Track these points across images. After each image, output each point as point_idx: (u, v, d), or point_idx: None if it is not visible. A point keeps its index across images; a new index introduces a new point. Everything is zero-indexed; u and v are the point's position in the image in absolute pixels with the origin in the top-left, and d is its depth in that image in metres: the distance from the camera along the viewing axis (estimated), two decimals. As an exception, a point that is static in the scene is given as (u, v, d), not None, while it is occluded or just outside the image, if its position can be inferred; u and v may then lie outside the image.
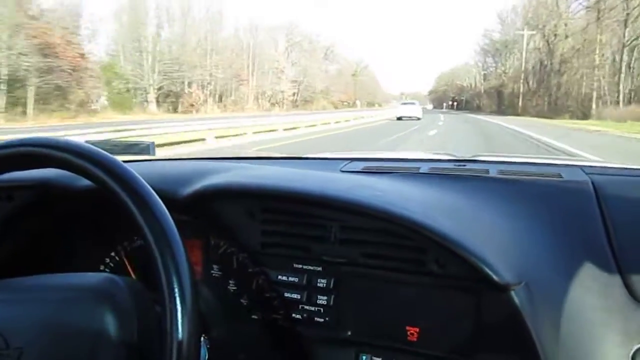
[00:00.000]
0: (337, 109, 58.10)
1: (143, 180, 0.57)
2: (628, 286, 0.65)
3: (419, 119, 30.46)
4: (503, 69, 61.32)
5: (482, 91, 70.58)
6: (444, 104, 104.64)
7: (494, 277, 0.61)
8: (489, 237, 0.70)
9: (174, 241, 0.54)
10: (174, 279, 0.52)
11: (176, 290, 0.51)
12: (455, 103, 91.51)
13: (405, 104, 35.36)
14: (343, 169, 1.03)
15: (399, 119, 30.75)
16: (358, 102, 64.00)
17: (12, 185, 0.87)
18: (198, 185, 0.82)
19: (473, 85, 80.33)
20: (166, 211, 0.55)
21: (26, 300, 0.56)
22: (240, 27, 51.99)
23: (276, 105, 52.74)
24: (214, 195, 0.82)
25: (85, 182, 0.73)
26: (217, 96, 43.60)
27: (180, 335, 0.50)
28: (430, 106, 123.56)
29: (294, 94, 57.87)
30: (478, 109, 67.31)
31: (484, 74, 72.42)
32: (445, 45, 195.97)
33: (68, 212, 0.93)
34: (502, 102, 57.84)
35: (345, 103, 72.03)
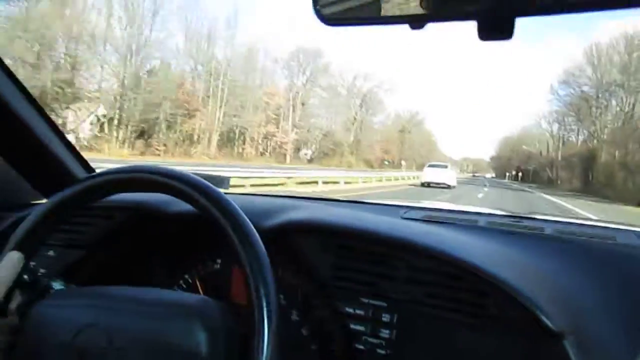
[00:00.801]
0: (371, 169, 50.12)
1: (242, 212, 0.65)
2: None
3: (449, 187, 25.22)
4: (593, 128, 48.41)
5: (559, 158, 57.50)
6: (507, 174, 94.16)
7: (549, 323, 0.68)
8: (544, 288, 0.76)
9: (266, 266, 0.62)
10: (264, 302, 0.59)
11: (265, 314, 0.59)
12: (520, 174, 79.26)
13: (433, 165, 28.20)
14: (404, 216, 1.10)
15: (424, 185, 25.60)
16: (404, 163, 54.13)
17: (113, 205, 1.00)
18: (280, 219, 0.92)
19: (545, 153, 67.92)
20: (261, 242, 0.64)
21: (131, 310, 0.64)
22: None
23: (267, 153, 44.64)
24: (294, 229, 0.92)
25: (176, 208, 0.96)
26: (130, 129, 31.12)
27: (265, 356, 0.57)
28: (489, 175, 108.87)
29: (297, 142, 49.11)
30: (550, 184, 55.22)
31: (562, 137, 60.05)
32: (516, 103, 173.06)
33: (156, 234, 1.05)
34: (590, 175, 44.07)
35: (387, 162, 63.68)
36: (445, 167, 27.62)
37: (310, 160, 49.79)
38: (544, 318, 0.68)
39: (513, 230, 0.99)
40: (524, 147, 78.52)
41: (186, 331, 0.61)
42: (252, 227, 0.65)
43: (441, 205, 1.49)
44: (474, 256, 0.79)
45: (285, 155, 46.32)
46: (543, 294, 0.73)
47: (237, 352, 0.63)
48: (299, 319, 0.90)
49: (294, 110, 49.13)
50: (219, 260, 0.98)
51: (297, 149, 49.65)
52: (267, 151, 45.42)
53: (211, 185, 0.68)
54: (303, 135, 49.98)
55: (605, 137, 45.40)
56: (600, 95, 46.82)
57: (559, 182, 55.03)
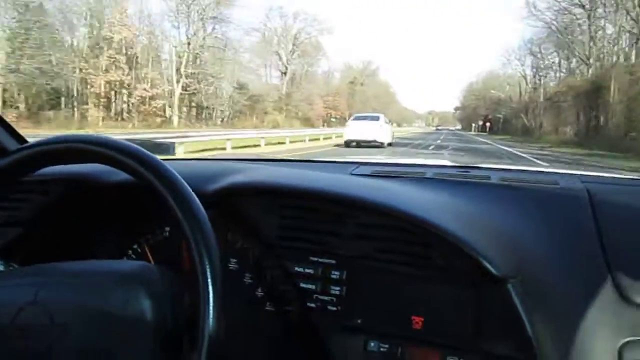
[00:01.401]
0: (311, 128, 37.69)
1: (182, 179, 0.64)
2: (617, 286, 0.74)
3: (382, 145, 17.97)
4: (586, 54, 34.52)
5: (541, 99, 43.86)
6: (473, 125, 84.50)
7: (492, 269, 0.70)
8: (489, 236, 0.79)
9: (208, 233, 0.61)
10: (208, 269, 0.58)
11: (209, 279, 0.58)
12: (487, 124, 69.09)
13: (359, 118, 19.51)
14: (353, 172, 1.13)
15: (349, 145, 18.08)
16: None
17: (48, 179, 0.97)
18: (222, 183, 0.92)
19: (516, 97, 55.33)
20: (202, 207, 0.62)
21: (70, 283, 0.62)
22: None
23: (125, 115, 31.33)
24: (238, 192, 0.92)
25: (115, 177, 0.96)
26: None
27: (212, 321, 0.57)
28: (454, 127, 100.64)
29: (190, 100, 35.73)
30: (526, 134, 43.93)
31: (538, 73, 47.35)
32: (481, 44, 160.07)
33: (97, 206, 1.03)
34: (592, 117, 30.67)
35: (334, 119, 54.47)
36: (377, 118, 19.10)
37: (222, 121, 37.62)
38: (486, 263, 0.70)
39: (460, 180, 1.02)
40: (491, 91, 67.33)
41: (128, 299, 0.60)
42: (192, 192, 0.63)
43: (391, 159, 1.47)
44: (420, 209, 0.80)
45: (159, 116, 33.18)
46: (486, 241, 0.75)
47: (184, 318, 0.62)
48: (252, 281, 0.91)
49: (180, 57, 35.52)
50: (167, 228, 0.98)
51: (196, 107, 37.26)
52: (127, 112, 32.34)
53: (147, 152, 0.65)
54: (194, 88, 35.75)
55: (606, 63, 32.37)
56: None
57: (539, 130, 41.90)
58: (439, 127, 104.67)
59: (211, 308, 0.58)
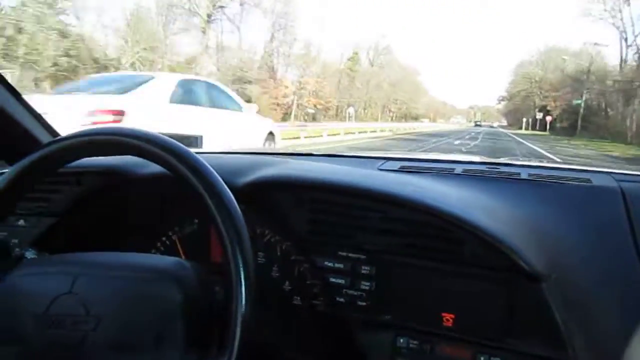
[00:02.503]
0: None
1: (213, 170, 0.65)
2: None
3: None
4: None
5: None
6: (524, 120, 65.79)
7: (527, 267, 0.71)
8: (522, 233, 0.78)
9: (241, 226, 0.62)
10: (241, 262, 0.60)
11: (241, 273, 0.60)
12: (548, 118, 48.21)
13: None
14: (381, 168, 1.13)
15: None
16: (351, 111, 38.63)
17: (82, 170, 1.00)
18: (253, 176, 0.93)
19: (601, 74, 34.54)
20: (234, 199, 0.64)
21: (107, 276, 0.64)
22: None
23: None
24: (268, 186, 0.93)
25: (147, 169, 0.98)
26: None
27: (243, 313, 0.58)
28: (497, 124, 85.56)
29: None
30: (618, 137, 26.53)
31: None
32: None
33: (129, 197, 1.05)
34: None
35: (312, 110, 39.67)
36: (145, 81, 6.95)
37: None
38: (521, 261, 0.71)
39: (489, 177, 1.02)
40: (563, 58, 43.33)
41: (162, 295, 0.62)
42: (224, 185, 0.65)
43: (419, 155, 1.49)
44: (449, 204, 0.80)
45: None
46: (521, 239, 0.75)
47: (216, 311, 0.64)
48: (280, 275, 0.93)
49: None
50: (196, 221, 0.99)
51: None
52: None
53: (181, 144, 0.67)
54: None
55: None
56: None
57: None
58: (478, 123, 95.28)
59: (243, 300, 0.59)
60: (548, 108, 51.37)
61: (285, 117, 35.49)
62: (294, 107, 38.53)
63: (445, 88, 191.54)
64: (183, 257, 1.00)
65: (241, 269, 0.60)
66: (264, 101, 30.36)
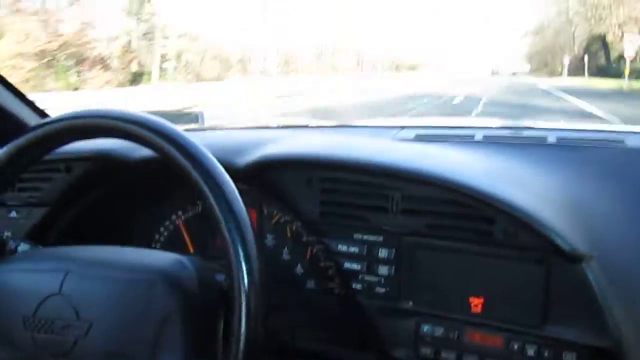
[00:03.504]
0: None
1: (206, 150, 0.60)
2: None
3: None
4: None
5: None
6: (565, 61, 39.71)
7: (567, 248, 0.65)
8: (555, 207, 0.73)
9: (239, 209, 0.57)
10: (240, 248, 0.55)
11: (242, 259, 0.55)
12: (606, 51, 32.15)
13: None
14: (395, 137, 1.04)
15: None
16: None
17: (71, 157, 0.96)
18: (255, 155, 0.87)
19: None
20: (230, 180, 0.59)
21: (98, 276, 0.60)
22: None
23: None
24: (273, 165, 0.87)
25: (142, 153, 0.90)
26: None
27: (246, 306, 0.53)
28: (520, 70, 58.62)
29: None
30: None
31: None
32: None
33: (125, 183, 1.01)
34: None
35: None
36: None
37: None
38: (558, 240, 0.65)
39: (513, 142, 0.95)
40: None
41: (159, 299, 0.58)
42: (217, 164, 0.60)
43: (434, 121, 1.44)
44: (474, 178, 0.75)
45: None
46: (555, 213, 0.70)
47: (220, 309, 0.60)
48: (291, 257, 0.88)
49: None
50: (199, 203, 0.95)
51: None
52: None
53: (167, 123, 0.62)
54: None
55: None
56: None
57: None
58: (495, 71, 69.37)
59: (245, 292, 0.54)
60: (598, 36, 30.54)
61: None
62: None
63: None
64: (188, 241, 0.96)
65: (242, 261, 0.55)
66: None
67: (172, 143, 0.60)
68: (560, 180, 0.80)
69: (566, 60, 40.79)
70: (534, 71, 56.03)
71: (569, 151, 0.88)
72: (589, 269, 0.66)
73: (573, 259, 0.66)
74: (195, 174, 0.59)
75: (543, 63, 53.28)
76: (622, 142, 0.89)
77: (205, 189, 0.58)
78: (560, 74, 42.07)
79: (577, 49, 40.93)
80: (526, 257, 0.70)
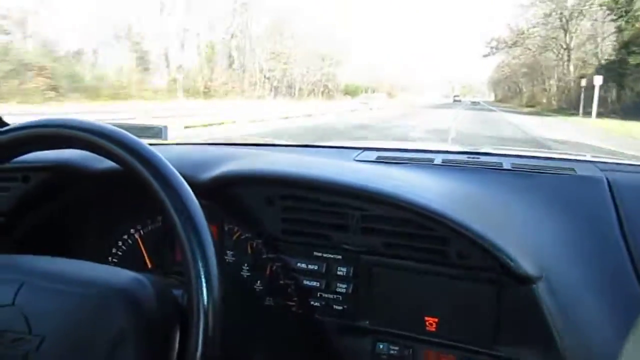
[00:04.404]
0: None
1: (168, 163, 0.60)
2: None
3: None
4: None
5: None
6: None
7: (517, 270, 0.67)
8: (507, 230, 0.76)
9: (201, 224, 0.57)
10: (200, 264, 0.55)
11: (202, 275, 0.54)
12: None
13: None
14: (357, 159, 1.09)
15: None
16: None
17: (29, 166, 0.95)
18: (218, 171, 0.88)
19: None
20: (192, 194, 0.59)
21: (53, 289, 0.58)
22: None
23: None
24: (234, 181, 0.88)
25: (102, 164, 0.90)
26: None
27: (204, 324, 0.53)
28: (480, 99, 60.90)
29: None
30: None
31: None
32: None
33: (83, 194, 1.00)
34: None
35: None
36: None
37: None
38: (510, 262, 0.67)
39: (470, 167, 0.99)
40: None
41: (114, 318, 0.56)
42: (180, 178, 0.60)
43: (396, 144, 1.48)
44: (431, 199, 0.76)
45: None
46: (508, 237, 0.72)
47: (175, 328, 0.59)
48: (250, 274, 0.89)
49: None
50: (159, 218, 0.95)
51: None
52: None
53: (132, 136, 0.61)
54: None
55: None
56: None
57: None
58: (457, 98, 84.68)
59: (204, 311, 0.54)
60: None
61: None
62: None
63: (418, 57, 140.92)
64: (146, 256, 0.95)
65: (202, 276, 0.55)
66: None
67: (133, 154, 0.59)
68: (513, 205, 0.84)
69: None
70: (497, 99, 46.33)
71: (523, 177, 0.93)
72: (538, 291, 0.68)
73: (523, 280, 0.68)
74: (156, 186, 0.58)
75: (503, 93, 41.60)
76: (572, 170, 0.94)
77: (167, 202, 0.57)
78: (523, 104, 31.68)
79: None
80: (479, 278, 0.72)
